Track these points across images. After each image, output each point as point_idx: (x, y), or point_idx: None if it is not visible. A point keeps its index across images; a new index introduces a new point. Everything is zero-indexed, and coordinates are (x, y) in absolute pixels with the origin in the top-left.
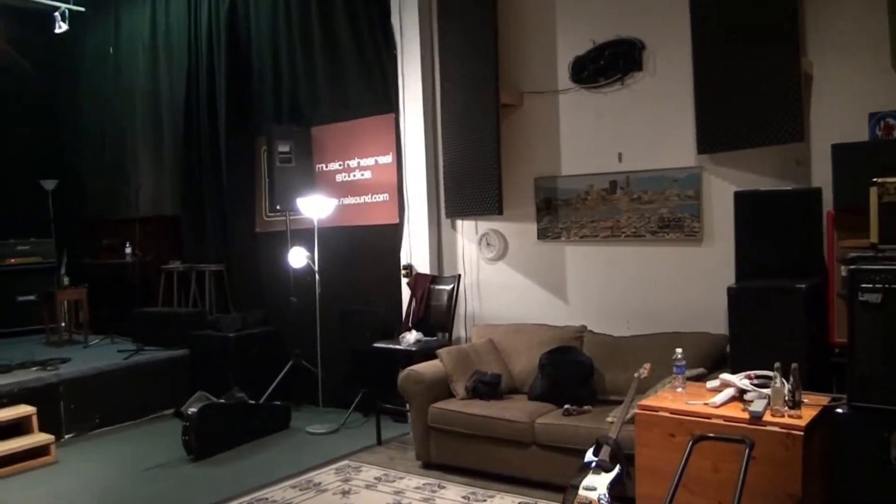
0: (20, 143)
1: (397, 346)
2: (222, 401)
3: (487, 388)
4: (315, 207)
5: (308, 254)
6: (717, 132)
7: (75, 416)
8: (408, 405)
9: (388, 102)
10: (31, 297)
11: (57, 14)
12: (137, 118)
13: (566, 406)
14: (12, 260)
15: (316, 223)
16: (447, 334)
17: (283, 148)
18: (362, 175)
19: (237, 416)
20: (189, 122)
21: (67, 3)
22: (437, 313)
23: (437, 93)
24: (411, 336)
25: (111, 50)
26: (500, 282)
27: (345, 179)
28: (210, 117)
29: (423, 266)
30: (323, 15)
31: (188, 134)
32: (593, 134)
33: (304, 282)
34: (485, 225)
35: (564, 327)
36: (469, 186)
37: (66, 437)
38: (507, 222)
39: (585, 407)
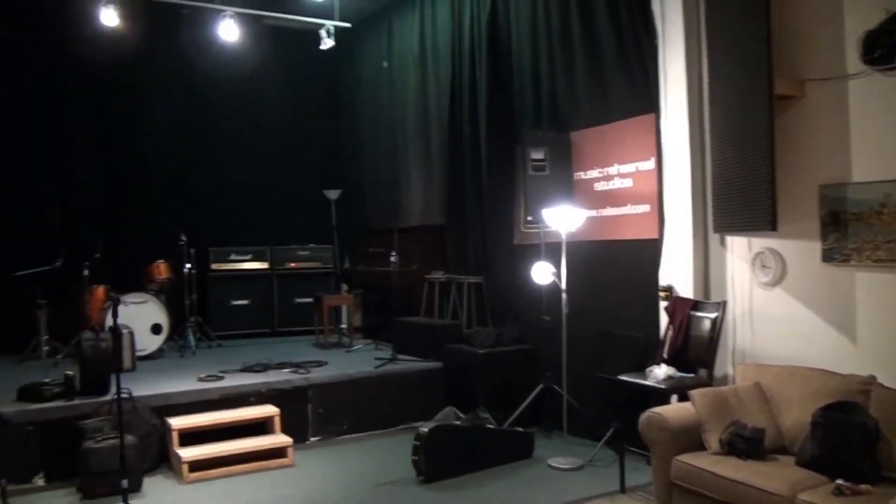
0: (308, 155)
1: (643, 381)
2: (457, 422)
3: (746, 444)
4: (562, 219)
5: (554, 270)
6: None
7: (323, 420)
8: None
9: (649, 101)
10: (308, 300)
11: (322, 31)
12: (409, 129)
13: (838, 481)
14: (292, 264)
15: (564, 236)
16: (707, 372)
17: (537, 155)
18: (622, 183)
19: (472, 440)
20: (453, 131)
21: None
22: (696, 345)
23: (704, 86)
24: (661, 371)
25: (385, 63)
26: (775, 312)
27: (603, 188)
28: (472, 125)
29: (684, 289)
30: (582, 9)
31: (452, 143)
32: (892, 129)
33: (559, 299)
34: (759, 242)
35: (848, 376)
36: (739, 195)
37: (312, 440)
38: (787, 239)
39: (862, 486)
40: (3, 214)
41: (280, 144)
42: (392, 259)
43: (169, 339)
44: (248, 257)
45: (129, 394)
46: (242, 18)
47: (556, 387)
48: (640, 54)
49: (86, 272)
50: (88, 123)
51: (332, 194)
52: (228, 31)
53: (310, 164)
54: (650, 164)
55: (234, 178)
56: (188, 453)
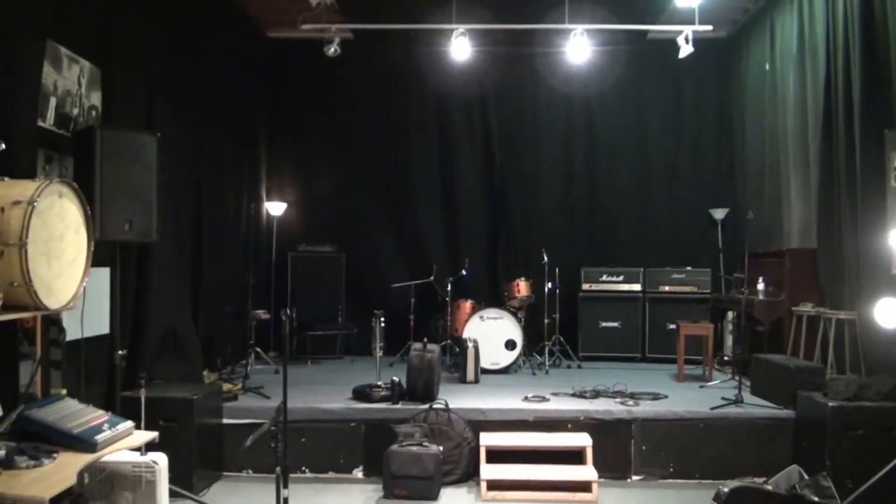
0: (695, 171)
1: None
2: (768, 487)
3: None
4: None
5: None
6: None
7: (647, 458)
8: None
9: None
10: (672, 327)
11: (680, 38)
12: (789, 138)
13: None
14: (666, 288)
15: None
16: None
17: None
18: None
19: None
20: (827, 136)
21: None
22: None
23: None
24: None
25: (766, 66)
26: None
27: None
28: (846, 128)
29: None
30: None
31: (825, 150)
32: None
33: None
34: None
35: None
36: None
37: (633, 478)
38: None
39: None
40: (397, 234)
41: (664, 161)
42: (759, 286)
43: (527, 355)
44: (620, 279)
45: (446, 405)
46: (620, 36)
47: None
48: None
49: (448, 287)
50: (474, 150)
51: (719, 213)
52: (579, 49)
53: (696, 181)
54: None
55: (613, 198)
56: (490, 471)
